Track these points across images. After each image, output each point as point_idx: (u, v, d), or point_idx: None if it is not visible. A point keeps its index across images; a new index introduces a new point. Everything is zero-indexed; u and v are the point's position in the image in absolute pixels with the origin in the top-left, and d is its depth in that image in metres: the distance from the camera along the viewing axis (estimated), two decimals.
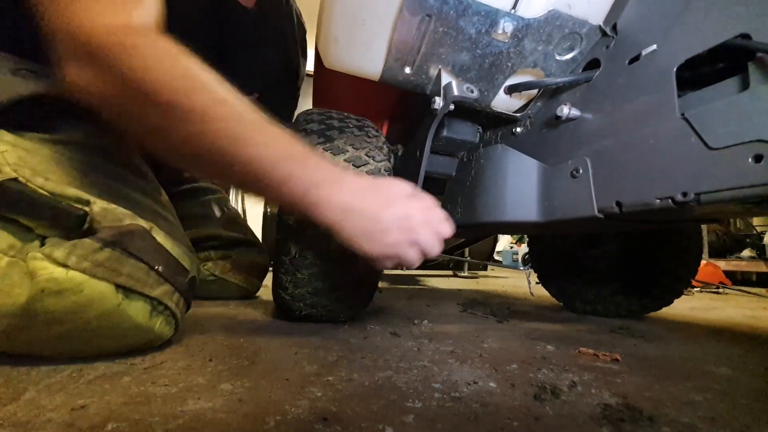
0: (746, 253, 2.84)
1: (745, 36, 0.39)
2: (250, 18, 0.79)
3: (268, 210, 2.08)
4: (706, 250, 2.69)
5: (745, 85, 0.40)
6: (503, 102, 0.61)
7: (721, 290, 2.00)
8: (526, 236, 3.40)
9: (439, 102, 0.57)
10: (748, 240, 2.95)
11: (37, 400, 0.33)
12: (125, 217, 0.44)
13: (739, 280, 2.71)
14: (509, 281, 2.11)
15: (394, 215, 0.45)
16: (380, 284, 1.30)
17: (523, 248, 4.89)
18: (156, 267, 0.44)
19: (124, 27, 0.39)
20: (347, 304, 0.65)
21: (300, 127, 0.65)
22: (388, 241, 0.45)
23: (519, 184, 0.62)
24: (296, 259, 0.58)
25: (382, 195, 0.46)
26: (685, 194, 0.42)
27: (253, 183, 0.43)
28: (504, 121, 0.66)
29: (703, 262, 1.85)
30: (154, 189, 0.54)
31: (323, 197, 0.43)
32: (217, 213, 0.99)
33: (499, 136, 0.68)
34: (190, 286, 0.50)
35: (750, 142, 0.37)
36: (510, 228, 0.81)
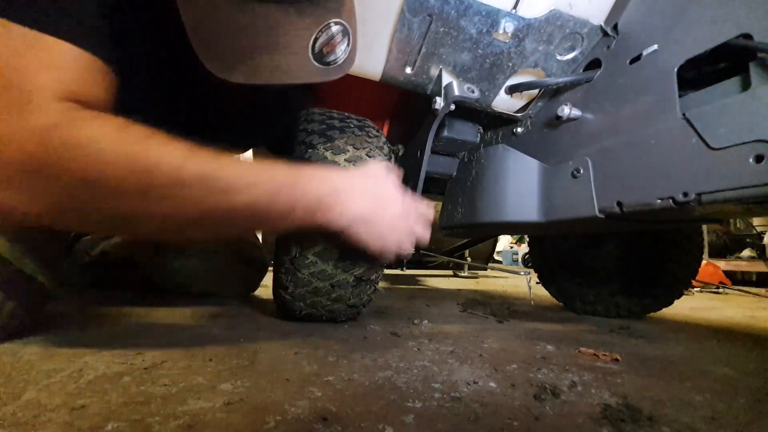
0: (746, 253, 2.84)
1: (747, 36, 0.39)
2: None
3: None
4: (706, 250, 2.69)
5: (746, 86, 0.40)
6: (504, 102, 0.61)
7: (721, 290, 2.00)
8: (526, 236, 3.40)
9: (439, 102, 0.57)
10: (748, 240, 2.96)
11: (37, 400, 0.33)
12: None
13: (739, 280, 2.71)
14: (509, 281, 2.11)
15: (392, 217, 0.51)
16: (380, 284, 1.30)
17: (523, 248, 4.91)
18: None
19: (46, 129, 0.33)
20: (347, 304, 0.65)
21: (300, 126, 0.65)
22: (390, 239, 0.52)
23: (520, 184, 0.62)
24: (296, 259, 0.58)
25: (381, 200, 0.51)
26: (685, 194, 0.42)
27: (259, 223, 0.45)
28: (505, 121, 0.66)
29: (703, 262, 1.85)
30: None
31: (331, 213, 0.47)
32: None
33: (500, 136, 0.68)
34: (11, 278, 0.47)
35: (751, 142, 0.37)
36: (511, 228, 0.80)
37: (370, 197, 0.50)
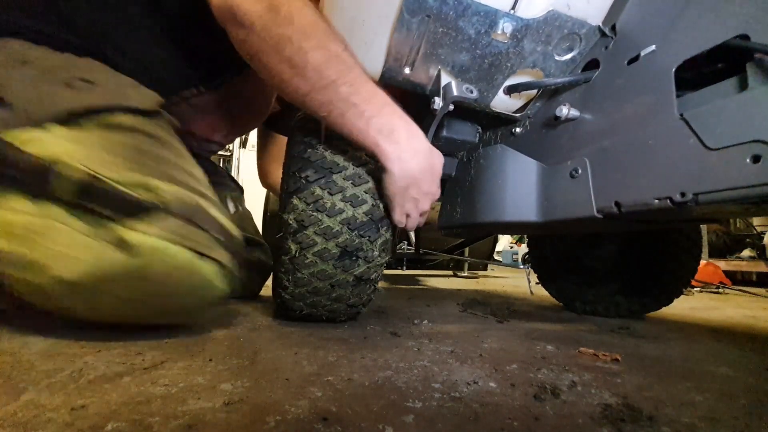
0: (746, 253, 2.84)
1: (744, 37, 0.39)
2: None
3: (269, 210, 2.07)
4: (706, 250, 2.69)
5: (743, 86, 0.40)
6: (503, 102, 0.61)
7: (721, 290, 2.00)
8: (526, 236, 3.41)
9: (438, 102, 0.57)
10: (748, 240, 2.95)
11: (37, 400, 0.33)
12: (185, 196, 0.52)
13: (739, 280, 2.71)
14: (509, 281, 2.11)
15: (428, 190, 0.59)
16: (380, 284, 1.30)
17: (523, 248, 4.90)
18: (216, 236, 0.52)
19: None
20: (347, 304, 0.65)
21: (300, 126, 0.65)
22: (412, 203, 0.60)
23: (518, 185, 0.62)
24: (296, 259, 0.58)
25: (428, 159, 0.58)
26: (683, 194, 0.42)
27: (346, 128, 0.54)
28: (503, 121, 0.66)
29: (703, 262, 1.85)
30: (194, 169, 0.60)
31: (391, 153, 0.55)
32: (231, 209, 1.01)
33: (499, 136, 0.68)
34: (239, 248, 0.58)
35: (748, 142, 0.37)
36: (510, 228, 0.81)
37: (424, 151, 0.58)
